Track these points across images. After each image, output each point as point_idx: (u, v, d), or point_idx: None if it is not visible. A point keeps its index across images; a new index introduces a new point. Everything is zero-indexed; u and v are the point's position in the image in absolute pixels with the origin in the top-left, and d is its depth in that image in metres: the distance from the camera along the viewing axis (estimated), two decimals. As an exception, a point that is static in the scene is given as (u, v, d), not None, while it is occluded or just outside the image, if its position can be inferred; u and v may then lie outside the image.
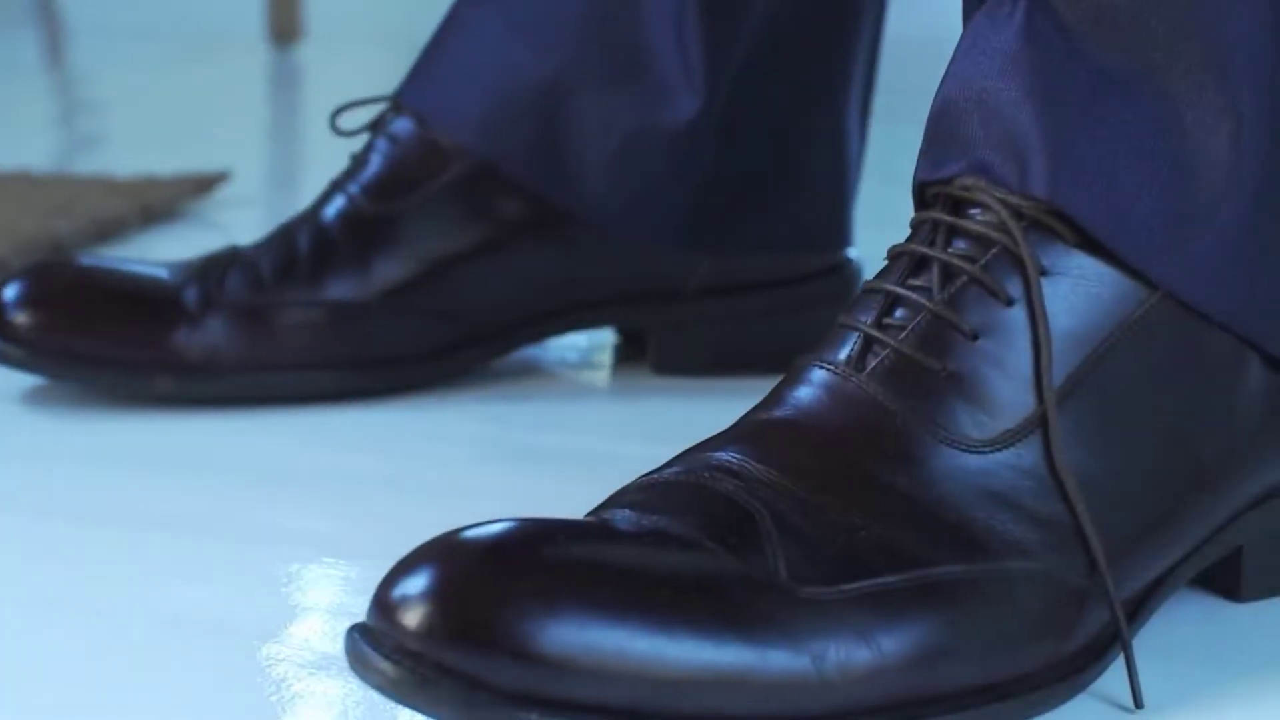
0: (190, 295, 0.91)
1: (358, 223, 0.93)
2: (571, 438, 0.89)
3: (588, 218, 0.94)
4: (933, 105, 0.64)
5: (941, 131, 0.63)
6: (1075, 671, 0.59)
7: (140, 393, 0.91)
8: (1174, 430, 0.62)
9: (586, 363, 1.02)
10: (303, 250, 0.93)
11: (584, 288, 0.96)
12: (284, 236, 0.94)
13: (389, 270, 0.93)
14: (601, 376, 1.00)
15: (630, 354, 1.02)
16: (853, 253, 1.02)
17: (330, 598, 0.70)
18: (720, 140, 0.95)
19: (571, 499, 0.80)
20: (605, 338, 1.05)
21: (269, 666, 0.64)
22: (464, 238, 0.94)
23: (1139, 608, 0.62)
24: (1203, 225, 0.62)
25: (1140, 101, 0.61)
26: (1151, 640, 0.65)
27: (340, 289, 0.92)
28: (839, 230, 1.00)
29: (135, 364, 0.90)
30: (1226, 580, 0.68)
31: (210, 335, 0.91)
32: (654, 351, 0.99)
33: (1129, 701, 0.60)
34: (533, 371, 0.99)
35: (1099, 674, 0.60)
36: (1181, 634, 0.66)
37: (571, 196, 0.94)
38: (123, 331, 0.90)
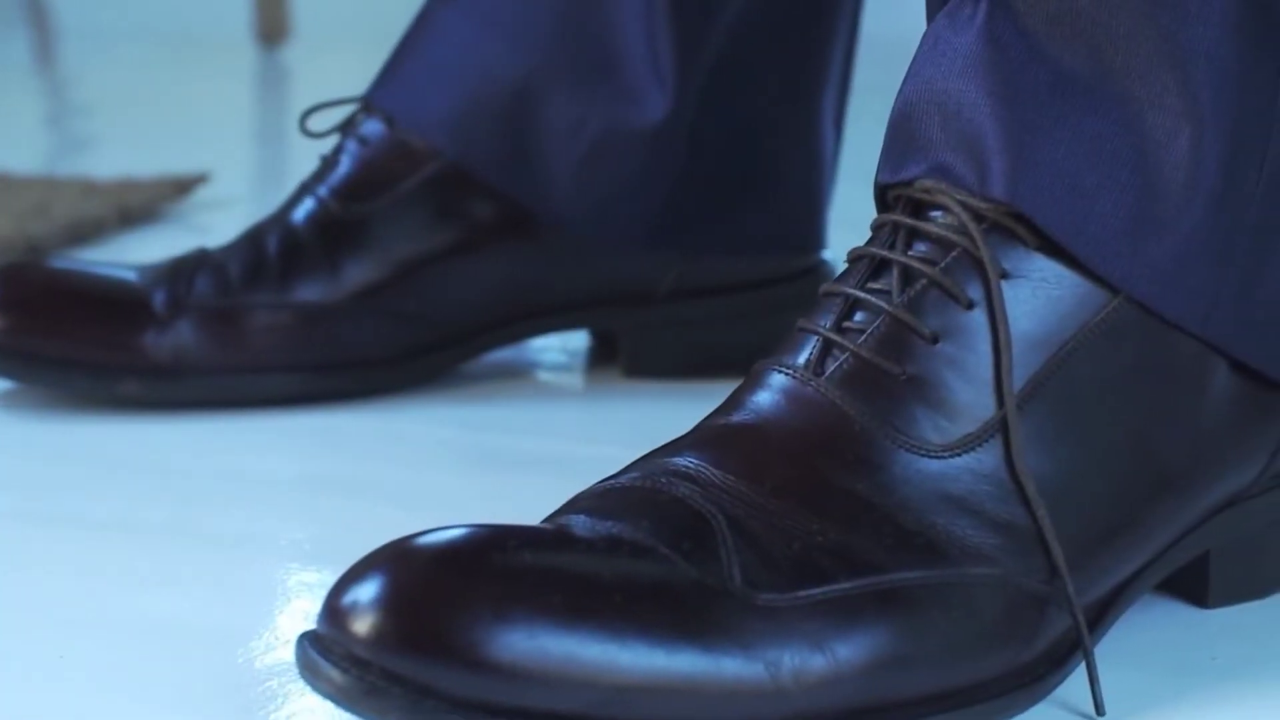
0: (158, 298, 0.91)
1: (327, 225, 0.93)
2: (543, 441, 0.89)
3: (557, 219, 0.94)
4: (894, 107, 0.64)
5: (902, 133, 0.63)
6: (1036, 679, 0.59)
7: (108, 396, 0.91)
8: (1137, 434, 0.61)
9: (558, 365, 1.02)
10: (271, 252, 0.93)
11: (555, 290, 0.95)
12: (252, 239, 0.94)
13: (358, 272, 0.92)
14: (573, 379, 1.00)
15: (602, 356, 1.02)
16: (827, 255, 1.01)
17: (298, 603, 0.70)
18: (691, 141, 0.95)
19: (542, 502, 0.79)
20: (577, 341, 1.05)
21: (235, 672, 0.63)
22: (434, 239, 0.93)
23: (1102, 613, 0.62)
24: (1164, 228, 0.61)
25: (1101, 104, 0.61)
26: (1116, 647, 0.64)
27: (309, 291, 0.92)
28: (813, 233, 0.99)
29: (103, 367, 0.90)
30: (1193, 586, 0.68)
31: (178, 338, 0.90)
32: (625, 354, 0.99)
33: (1092, 709, 0.60)
34: (504, 374, 0.99)
35: (1060, 681, 0.60)
36: (1147, 640, 0.65)
37: (541, 197, 0.94)
38: (90, 334, 0.90)
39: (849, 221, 1.03)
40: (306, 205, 0.94)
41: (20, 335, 0.90)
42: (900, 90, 0.64)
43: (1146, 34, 0.61)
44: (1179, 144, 0.61)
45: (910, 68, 0.64)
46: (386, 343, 0.93)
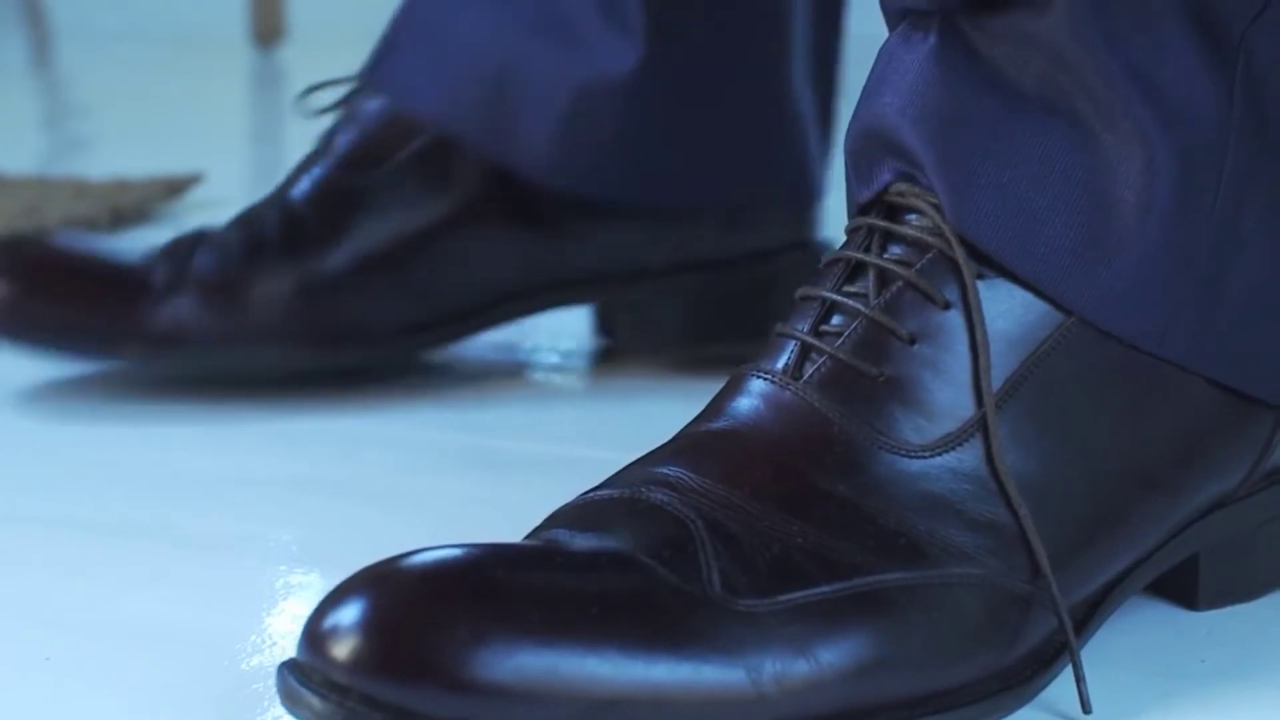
0: (158, 271, 0.91)
1: (327, 194, 0.93)
2: (535, 443, 0.88)
3: (545, 181, 0.94)
4: (847, 132, 0.64)
5: (862, 158, 0.63)
6: (1022, 680, 0.58)
7: (109, 364, 0.90)
8: (1118, 433, 0.61)
9: (551, 367, 1.01)
10: (271, 226, 0.92)
11: (550, 265, 0.95)
12: (250, 216, 0.93)
13: (356, 244, 0.92)
14: (566, 381, 1.00)
15: (606, 355, 1.02)
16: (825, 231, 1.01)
17: (285, 605, 0.70)
18: (666, 93, 0.94)
19: (534, 505, 0.79)
20: (570, 342, 1.04)
21: (221, 675, 0.63)
22: (429, 211, 0.93)
23: (1090, 614, 0.61)
24: (1117, 249, 0.60)
25: (1051, 125, 0.60)
26: (1105, 648, 0.64)
27: (309, 263, 0.92)
28: (802, 195, 0.98)
29: (102, 336, 0.90)
30: (1183, 588, 0.67)
31: (178, 310, 0.90)
32: (622, 331, 0.98)
33: (1079, 711, 0.59)
34: (496, 376, 0.99)
35: (1047, 683, 0.59)
36: (1135, 642, 0.65)
37: (528, 161, 0.93)
38: (90, 303, 0.90)
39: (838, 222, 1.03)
40: (303, 184, 0.94)
41: (20, 302, 0.90)
42: (854, 113, 0.64)
43: (1097, 56, 0.60)
44: (1131, 164, 0.60)
45: (865, 85, 0.64)
46: (386, 316, 0.93)
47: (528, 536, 0.58)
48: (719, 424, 0.60)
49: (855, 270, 0.61)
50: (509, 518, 0.78)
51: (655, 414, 0.92)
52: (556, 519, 0.58)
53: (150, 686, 0.62)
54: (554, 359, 1.02)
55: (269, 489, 0.82)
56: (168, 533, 0.76)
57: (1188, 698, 0.61)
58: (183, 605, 0.69)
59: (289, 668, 0.53)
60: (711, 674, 0.53)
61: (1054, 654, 0.59)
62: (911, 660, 0.56)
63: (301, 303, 0.91)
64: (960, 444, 0.58)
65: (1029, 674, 0.58)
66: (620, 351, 0.99)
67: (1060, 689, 0.60)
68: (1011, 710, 0.58)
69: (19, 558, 0.74)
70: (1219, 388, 0.63)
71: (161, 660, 0.64)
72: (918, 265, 0.60)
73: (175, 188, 1.38)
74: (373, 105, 0.94)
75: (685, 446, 0.60)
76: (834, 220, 1.01)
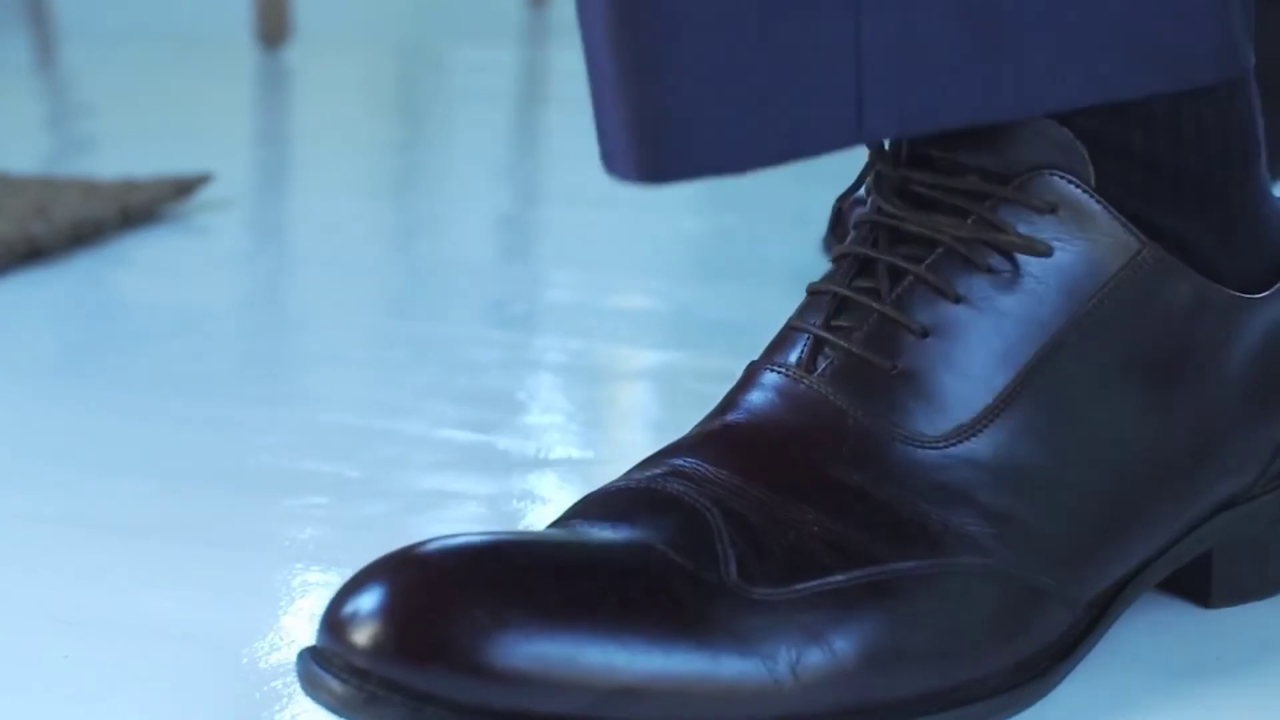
0: None
1: None
2: (545, 443, 0.88)
3: None
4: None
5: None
6: (1037, 675, 0.58)
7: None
8: (1133, 427, 0.61)
9: (561, 366, 1.01)
10: None
11: None
12: None
13: None
14: (577, 380, 1.00)
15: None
16: None
17: (302, 603, 0.70)
18: None
19: (546, 505, 0.79)
20: (578, 341, 1.04)
21: (240, 673, 0.63)
22: None
23: (1103, 610, 0.61)
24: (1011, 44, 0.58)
25: None
26: (1118, 646, 0.64)
27: None
28: None
29: None
30: (1197, 585, 0.67)
31: None
32: None
33: (1095, 707, 0.59)
34: (507, 375, 0.99)
35: (1064, 675, 0.60)
36: (1150, 640, 0.65)
37: None
38: None
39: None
40: None
41: None
42: None
43: None
44: None
45: None
46: None
47: (549, 527, 0.59)
48: (734, 417, 0.60)
49: (865, 265, 0.61)
50: (520, 517, 0.78)
51: (662, 414, 0.93)
52: (576, 511, 0.59)
53: (168, 685, 0.62)
54: (563, 358, 1.02)
55: (282, 487, 0.82)
56: (184, 532, 0.76)
57: (1201, 695, 0.62)
58: (200, 604, 0.69)
59: (309, 653, 0.54)
60: (728, 662, 0.53)
61: (1070, 647, 0.60)
62: (925, 650, 0.56)
63: None
64: (974, 434, 0.59)
65: (1044, 668, 0.59)
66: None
67: (1076, 684, 0.60)
68: (1028, 704, 0.59)
69: (37, 558, 0.74)
70: (1233, 385, 0.63)
71: (179, 658, 0.64)
72: (928, 260, 0.60)
73: (184, 188, 1.37)
74: None
75: (701, 439, 0.60)
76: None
